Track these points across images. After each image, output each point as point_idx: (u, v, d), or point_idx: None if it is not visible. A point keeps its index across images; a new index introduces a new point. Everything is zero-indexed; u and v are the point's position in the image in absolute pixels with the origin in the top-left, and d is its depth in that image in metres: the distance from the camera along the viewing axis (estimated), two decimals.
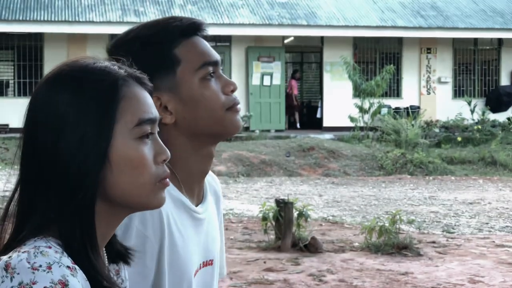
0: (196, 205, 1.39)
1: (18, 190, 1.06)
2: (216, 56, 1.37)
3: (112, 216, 1.04)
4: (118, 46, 1.35)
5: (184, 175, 1.35)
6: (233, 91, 1.38)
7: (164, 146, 1.06)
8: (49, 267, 0.94)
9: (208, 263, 1.41)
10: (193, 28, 1.37)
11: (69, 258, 0.97)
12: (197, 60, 1.34)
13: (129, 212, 1.08)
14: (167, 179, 1.05)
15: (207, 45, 1.37)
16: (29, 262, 0.94)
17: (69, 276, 0.94)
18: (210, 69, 1.34)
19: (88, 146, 1.00)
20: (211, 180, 1.50)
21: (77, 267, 0.97)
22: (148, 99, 1.06)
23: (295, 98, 20.65)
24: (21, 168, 1.06)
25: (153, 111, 1.06)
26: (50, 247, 0.96)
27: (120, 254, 1.09)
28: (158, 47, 1.33)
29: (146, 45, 1.33)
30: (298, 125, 20.48)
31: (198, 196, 1.41)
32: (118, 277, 1.11)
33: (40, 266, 0.93)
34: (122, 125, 1.02)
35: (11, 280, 0.92)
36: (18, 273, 0.93)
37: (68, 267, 0.95)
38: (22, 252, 0.95)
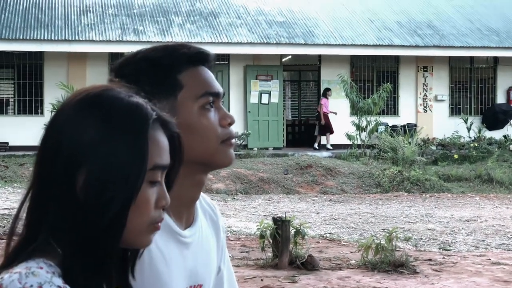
0: (185, 229, 1.39)
1: (23, 208, 1.04)
2: (218, 88, 1.38)
3: None
4: (125, 65, 1.36)
5: (172, 199, 1.33)
6: (230, 124, 1.38)
7: (167, 193, 1.07)
8: (40, 287, 0.95)
9: (195, 287, 1.41)
10: (199, 57, 1.39)
11: (61, 278, 0.98)
12: (199, 89, 1.35)
13: None
14: (160, 223, 1.07)
15: (211, 76, 1.39)
16: (20, 282, 0.95)
17: None
18: (211, 99, 1.36)
19: (117, 183, 1.00)
20: (206, 207, 1.52)
21: (68, 286, 0.98)
22: (166, 145, 1.07)
23: (324, 117, 19.33)
24: (33, 189, 1.03)
25: (167, 158, 1.07)
26: (41, 268, 0.97)
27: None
28: (163, 69, 1.35)
29: (152, 66, 1.35)
30: (315, 145, 19.31)
31: (187, 220, 1.41)
32: None
33: (31, 286, 0.95)
34: None
35: None
36: None
37: (58, 286, 0.97)
38: (14, 273, 0.96)
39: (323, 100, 19.62)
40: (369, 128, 17.55)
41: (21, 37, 17.68)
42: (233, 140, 1.40)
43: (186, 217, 1.41)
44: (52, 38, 17.83)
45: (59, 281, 0.97)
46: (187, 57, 1.37)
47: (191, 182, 1.38)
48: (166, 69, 1.36)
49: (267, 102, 19.44)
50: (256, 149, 18.34)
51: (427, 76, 20.55)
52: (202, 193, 1.53)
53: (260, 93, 19.39)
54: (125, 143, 1.01)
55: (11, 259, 1.01)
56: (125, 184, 1.01)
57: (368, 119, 17.53)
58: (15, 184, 12.85)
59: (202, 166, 1.38)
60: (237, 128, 18.87)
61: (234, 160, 1.42)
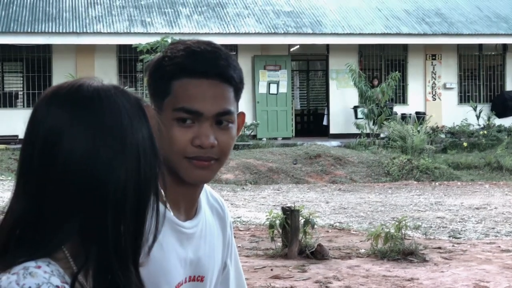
0: (185, 221, 1.41)
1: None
2: (200, 107, 1.36)
3: None
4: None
5: (169, 192, 1.36)
6: (202, 146, 1.36)
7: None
8: None
9: (197, 278, 1.42)
10: (201, 71, 1.37)
11: (59, 278, 0.98)
12: (178, 102, 1.36)
13: None
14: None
15: (202, 93, 1.36)
16: (18, 284, 0.95)
17: None
18: (185, 115, 1.35)
19: (75, 169, 1.01)
20: (214, 202, 1.53)
21: (66, 286, 0.98)
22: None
23: None
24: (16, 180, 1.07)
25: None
26: (39, 267, 0.98)
27: None
28: (164, 71, 1.38)
29: (159, 64, 1.39)
30: None
31: (188, 213, 1.43)
32: None
33: (30, 287, 0.96)
34: None
35: None
36: None
37: (57, 286, 0.97)
38: (12, 274, 0.97)
39: None
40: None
41: (29, 30, 17.73)
42: (204, 162, 1.38)
43: (185, 210, 1.42)
44: (60, 31, 17.87)
45: (57, 280, 0.98)
46: (190, 68, 1.36)
47: (176, 180, 1.39)
48: (165, 72, 1.38)
49: (275, 92, 19.45)
50: (265, 139, 18.36)
51: (435, 64, 20.47)
52: (210, 189, 1.55)
53: (269, 83, 19.39)
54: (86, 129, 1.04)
55: (9, 251, 1.01)
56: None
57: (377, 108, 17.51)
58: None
59: (178, 177, 1.39)
60: (246, 118, 18.86)
61: (203, 179, 1.40)
